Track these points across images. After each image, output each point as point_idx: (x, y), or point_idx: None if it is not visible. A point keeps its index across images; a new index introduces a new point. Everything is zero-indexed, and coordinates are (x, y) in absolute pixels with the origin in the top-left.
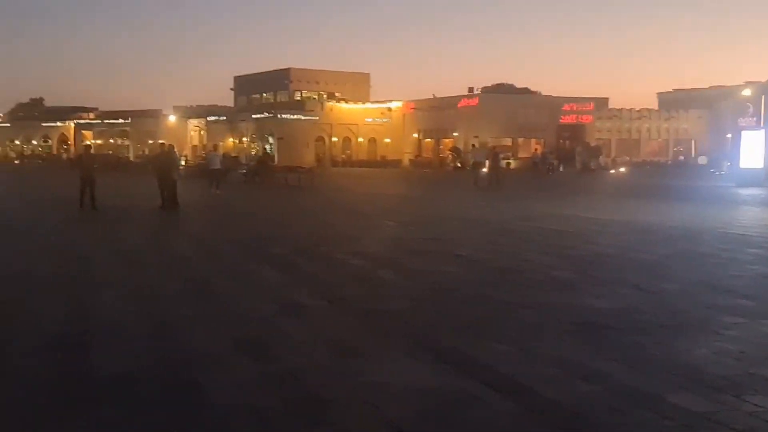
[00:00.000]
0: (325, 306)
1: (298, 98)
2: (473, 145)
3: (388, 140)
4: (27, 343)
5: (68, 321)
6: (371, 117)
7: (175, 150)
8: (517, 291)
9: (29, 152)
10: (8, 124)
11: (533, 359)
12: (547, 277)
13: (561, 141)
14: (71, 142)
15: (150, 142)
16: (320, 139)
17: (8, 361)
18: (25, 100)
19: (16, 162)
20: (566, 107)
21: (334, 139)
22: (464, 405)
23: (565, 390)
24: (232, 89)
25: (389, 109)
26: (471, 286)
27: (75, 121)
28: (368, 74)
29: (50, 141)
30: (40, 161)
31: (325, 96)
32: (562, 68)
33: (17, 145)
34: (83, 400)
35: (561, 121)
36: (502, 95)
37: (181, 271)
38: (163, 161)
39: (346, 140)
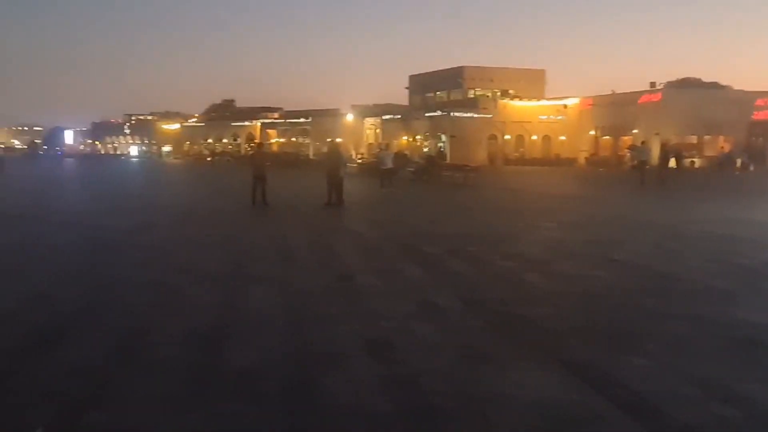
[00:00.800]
0: (462, 308)
1: (472, 96)
2: (642, 143)
3: (563, 138)
4: (169, 330)
5: (214, 312)
6: (546, 114)
7: (341, 148)
8: (671, 300)
9: (220, 150)
10: (202, 124)
11: (673, 377)
12: (708, 287)
13: (753, 139)
14: (257, 140)
15: (328, 140)
16: (493, 137)
17: (149, 349)
18: (218, 101)
19: (208, 159)
20: (759, 102)
21: (507, 137)
22: (583, 424)
23: (700, 414)
24: (407, 88)
25: (565, 106)
26: (621, 294)
27: (261, 120)
28: (543, 70)
29: (239, 139)
30: (229, 158)
31: (498, 93)
32: (756, 61)
33: (210, 143)
34: (209, 393)
35: (753, 117)
36: (688, 90)
37: (332, 266)
38: (330, 159)
39: (520, 138)
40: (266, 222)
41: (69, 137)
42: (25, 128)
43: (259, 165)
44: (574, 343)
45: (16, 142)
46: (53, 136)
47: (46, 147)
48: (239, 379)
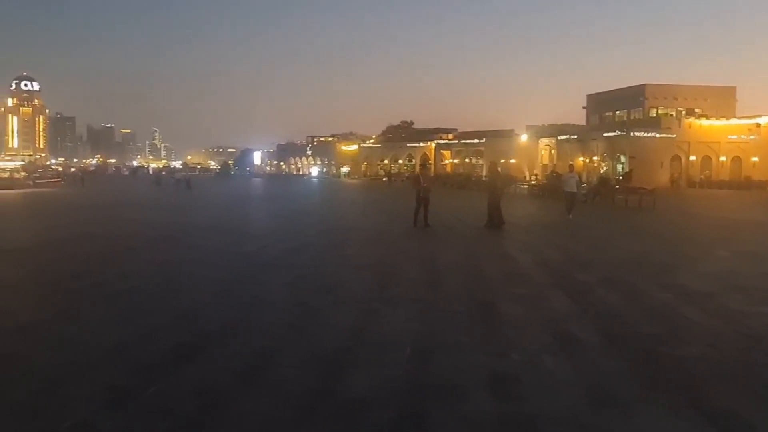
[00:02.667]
0: (604, 344)
1: (653, 115)
2: None
3: (755, 159)
4: (296, 353)
5: (344, 335)
6: (736, 134)
7: (501, 169)
8: None
9: (395, 171)
10: (379, 145)
11: None
12: None
13: None
14: (431, 161)
15: (502, 161)
16: (676, 158)
17: (272, 371)
18: (397, 122)
19: (384, 180)
20: None
21: (692, 158)
22: None
23: None
24: (584, 108)
25: (758, 125)
26: None
27: (436, 141)
28: (734, 88)
29: (413, 160)
30: (404, 179)
31: (683, 112)
32: None
33: (385, 164)
34: (317, 420)
35: None
36: None
37: (475, 291)
38: (491, 180)
39: (706, 159)
40: (421, 244)
41: (257, 158)
42: (220, 150)
43: (423, 187)
44: (722, 390)
45: (212, 162)
46: (243, 157)
47: (237, 167)
48: (351, 408)
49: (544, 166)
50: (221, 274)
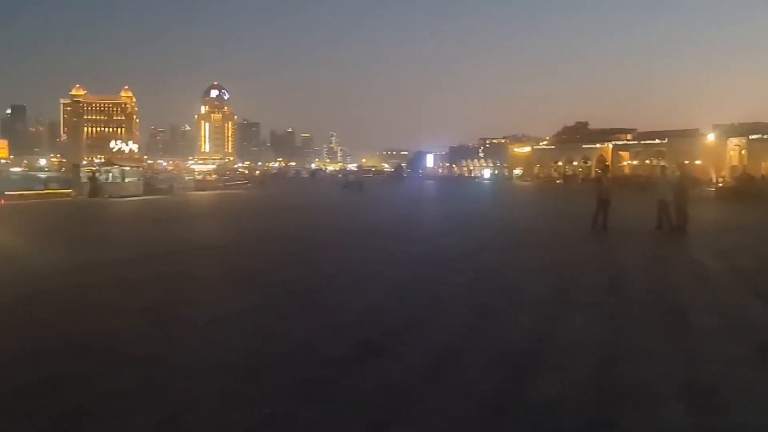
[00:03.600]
0: None
1: None
2: None
3: None
4: (479, 353)
5: (528, 338)
6: None
7: (670, 172)
8: None
9: (570, 173)
10: (553, 147)
11: None
12: None
13: None
14: (608, 162)
15: (685, 162)
16: None
17: (457, 371)
18: (571, 123)
19: (558, 182)
20: None
21: None
22: None
23: None
24: None
25: None
26: None
27: (613, 142)
28: None
29: (589, 162)
30: (580, 181)
31: None
32: None
33: (560, 166)
34: (505, 423)
35: None
36: None
37: (662, 298)
38: (665, 183)
39: None
40: (599, 247)
41: (429, 160)
42: (393, 152)
43: (604, 189)
44: None
45: (386, 165)
46: (416, 159)
47: (409, 170)
48: (539, 412)
49: (733, 167)
50: (399, 274)
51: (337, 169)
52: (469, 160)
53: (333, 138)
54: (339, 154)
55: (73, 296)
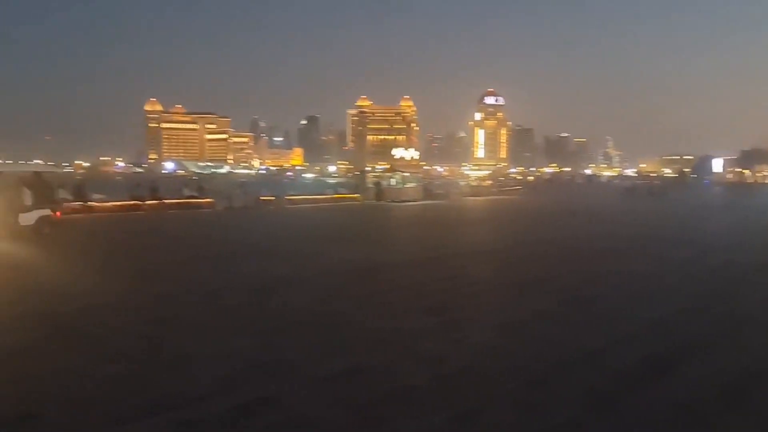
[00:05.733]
0: None
1: None
2: None
3: None
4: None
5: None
6: None
7: None
8: None
9: None
10: None
11: None
12: None
13: None
14: None
15: None
16: None
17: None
18: None
19: None
20: None
21: None
22: None
23: None
24: None
25: None
26: None
27: None
28: None
29: None
30: None
31: None
32: None
33: None
34: None
35: None
36: None
37: None
38: None
39: None
40: None
41: (717, 165)
42: (675, 157)
43: None
44: None
45: (667, 170)
46: (701, 164)
47: (695, 175)
48: None
49: None
50: (689, 286)
51: (614, 174)
52: (765, 165)
53: (609, 143)
54: (615, 159)
55: (370, 293)
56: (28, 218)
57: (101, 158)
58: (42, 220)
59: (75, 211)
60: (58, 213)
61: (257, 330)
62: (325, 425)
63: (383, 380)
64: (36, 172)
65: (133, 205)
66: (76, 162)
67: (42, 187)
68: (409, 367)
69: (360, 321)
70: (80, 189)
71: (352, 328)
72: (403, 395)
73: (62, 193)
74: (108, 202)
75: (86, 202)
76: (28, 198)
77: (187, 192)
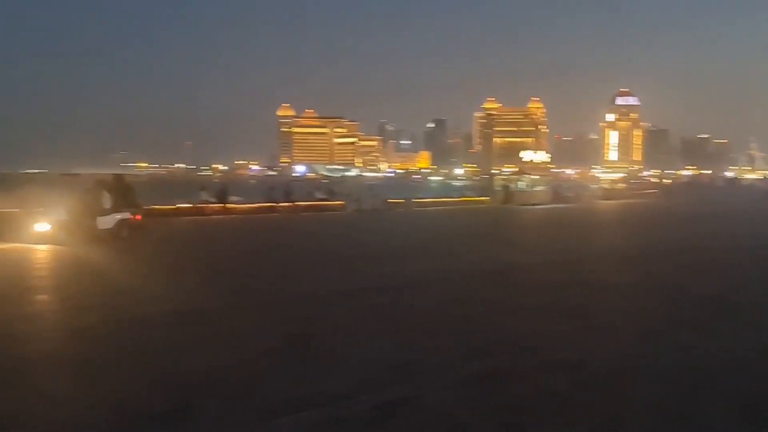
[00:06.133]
0: None
1: None
2: None
3: None
4: None
5: None
6: None
7: None
8: None
9: None
10: None
11: None
12: None
13: None
14: None
15: None
16: None
17: None
18: None
19: None
20: None
21: None
22: None
23: None
24: None
25: None
26: None
27: None
28: None
29: None
30: None
31: None
32: None
33: None
34: None
35: None
36: None
37: None
38: None
39: None
40: None
41: None
42: None
43: None
44: None
45: None
46: None
47: None
48: None
49: None
50: None
51: (758, 177)
52: None
53: (752, 144)
54: (760, 161)
55: (504, 295)
56: (106, 221)
57: (236, 162)
58: (121, 223)
59: (215, 212)
60: (138, 216)
61: (396, 329)
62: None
63: (523, 384)
64: (116, 175)
65: (269, 207)
66: (213, 165)
67: (122, 190)
68: (550, 371)
69: (496, 323)
70: (222, 192)
71: (488, 330)
72: (545, 401)
73: (204, 195)
74: (244, 204)
75: (226, 204)
76: (107, 201)
77: (318, 195)
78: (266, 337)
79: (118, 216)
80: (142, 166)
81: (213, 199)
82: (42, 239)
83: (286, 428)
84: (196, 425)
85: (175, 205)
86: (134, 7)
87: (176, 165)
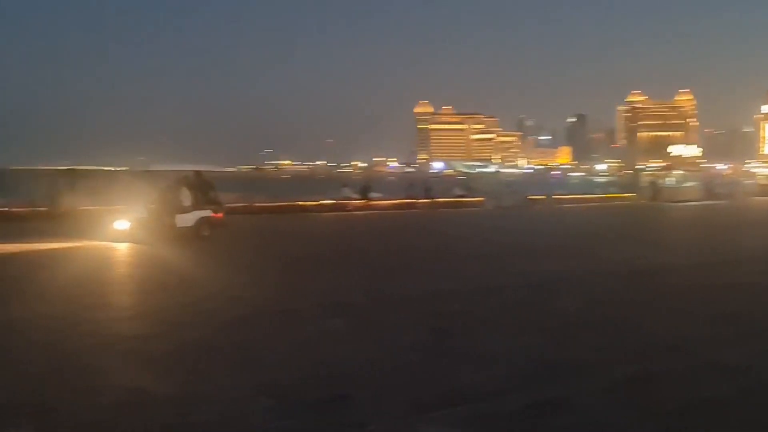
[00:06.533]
0: None
1: None
2: None
3: None
4: None
5: None
6: None
7: None
8: None
9: None
10: None
11: None
12: None
13: None
14: None
15: None
16: None
17: None
18: None
19: None
20: None
21: None
22: None
23: None
24: None
25: None
26: None
27: None
28: None
29: None
30: None
31: None
32: None
33: None
34: None
35: None
36: None
37: None
38: None
39: None
40: None
41: None
42: None
43: None
44: None
45: None
46: None
47: None
48: None
49: None
50: None
51: None
52: None
53: None
54: None
55: (652, 296)
56: (186, 219)
57: (374, 159)
58: (201, 221)
59: (357, 208)
60: (219, 214)
61: (541, 328)
62: None
63: (677, 389)
64: (197, 172)
65: (409, 203)
66: (352, 162)
67: (203, 188)
68: (707, 377)
69: (644, 325)
70: (365, 188)
71: (636, 332)
72: (703, 407)
73: (346, 192)
74: (385, 200)
75: (368, 200)
76: (186, 199)
77: (457, 191)
78: (413, 332)
79: (199, 214)
80: (286, 164)
81: (356, 195)
82: (121, 237)
83: (441, 422)
84: (356, 413)
85: (317, 201)
86: (280, 9)
87: (317, 162)
